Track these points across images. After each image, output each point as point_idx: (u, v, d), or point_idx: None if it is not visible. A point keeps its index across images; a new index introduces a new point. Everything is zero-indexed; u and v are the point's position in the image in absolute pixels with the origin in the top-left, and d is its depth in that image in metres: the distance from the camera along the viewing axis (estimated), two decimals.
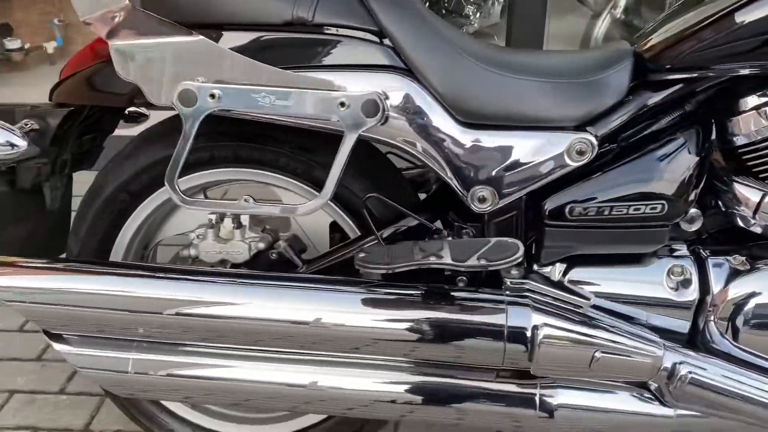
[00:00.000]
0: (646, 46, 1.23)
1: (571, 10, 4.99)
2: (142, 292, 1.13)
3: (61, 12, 4.81)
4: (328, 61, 1.15)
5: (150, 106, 1.22)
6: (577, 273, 1.22)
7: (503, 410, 1.14)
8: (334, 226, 1.44)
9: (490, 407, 1.15)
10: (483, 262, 1.07)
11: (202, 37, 1.13)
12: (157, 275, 1.15)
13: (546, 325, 1.07)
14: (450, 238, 1.18)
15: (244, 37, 1.17)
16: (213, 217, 1.33)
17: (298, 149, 1.32)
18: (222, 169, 1.35)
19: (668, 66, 1.18)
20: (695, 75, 1.17)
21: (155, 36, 1.15)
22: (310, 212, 1.15)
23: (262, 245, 1.30)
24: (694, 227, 1.24)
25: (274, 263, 1.32)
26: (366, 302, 1.13)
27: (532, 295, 1.11)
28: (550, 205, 1.17)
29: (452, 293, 1.13)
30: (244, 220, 1.32)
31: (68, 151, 1.40)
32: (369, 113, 1.08)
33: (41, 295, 1.14)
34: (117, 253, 1.41)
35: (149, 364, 1.18)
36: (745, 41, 1.11)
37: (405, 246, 1.13)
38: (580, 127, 1.17)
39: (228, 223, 1.31)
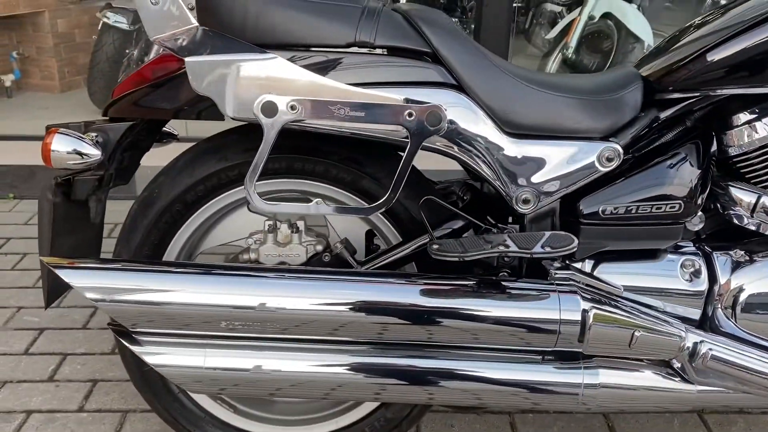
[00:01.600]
0: (652, 70, 1.42)
1: (522, 49, 5.37)
2: (231, 289, 1.20)
3: (20, 45, 4.77)
4: (388, 78, 1.28)
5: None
6: (603, 267, 1.38)
7: (552, 390, 1.27)
8: (369, 235, 1.56)
9: (540, 388, 1.27)
10: (548, 249, 1.20)
11: (276, 55, 1.24)
12: (246, 273, 1.23)
13: (594, 309, 1.22)
14: (501, 233, 1.31)
15: (309, 56, 1.28)
16: (270, 222, 1.42)
17: (347, 160, 1.43)
18: (275, 180, 1.45)
19: (671, 88, 1.37)
20: (694, 95, 1.36)
21: (229, 53, 1.25)
22: (377, 211, 1.26)
23: (319, 247, 1.40)
24: (698, 226, 1.42)
25: (327, 265, 1.41)
26: (426, 293, 1.25)
27: (577, 284, 1.25)
28: (584, 206, 1.33)
29: (504, 283, 1.26)
30: (300, 224, 1.41)
31: (113, 166, 1.47)
32: (433, 123, 1.21)
33: (131, 294, 1.20)
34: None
35: (224, 360, 1.25)
36: (733, 66, 1.31)
37: (472, 238, 1.26)
38: (605, 137, 1.34)
39: (285, 228, 1.40)
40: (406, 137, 1.24)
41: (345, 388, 1.26)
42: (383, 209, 1.25)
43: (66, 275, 1.19)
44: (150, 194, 1.46)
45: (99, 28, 4.10)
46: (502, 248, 1.21)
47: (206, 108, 1.39)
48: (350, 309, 1.21)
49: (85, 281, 1.20)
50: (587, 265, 1.38)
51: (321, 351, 1.27)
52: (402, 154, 1.24)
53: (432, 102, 1.23)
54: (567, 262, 1.33)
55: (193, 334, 1.26)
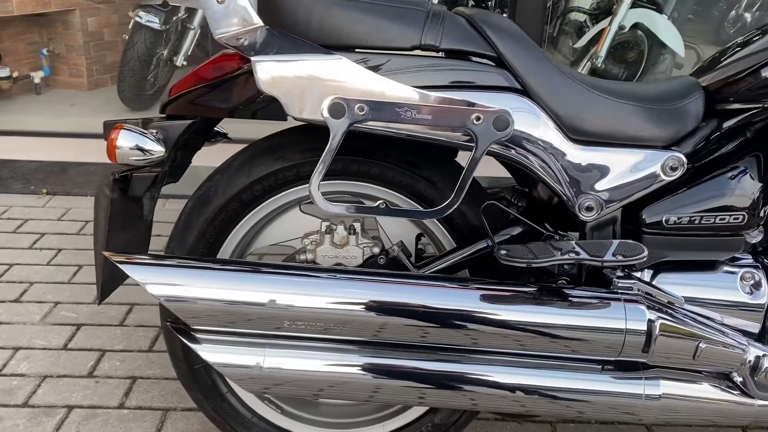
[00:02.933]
0: (712, 81, 1.41)
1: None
2: (297, 289, 1.20)
3: (50, 42, 4.80)
4: (453, 81, 1.28)
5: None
6: (662, 277, 1.37)
7: (612, 400, 1.26)
8: (418, 238, 1.55)
9: (599, 398, 1.26)
10: (619, 257, 1.19)
11: (343, 57, 1.24)
12: (310, 274, 1.23)
13: (661, 319, 1.20)
14: (569, 240, 1.30)
15: (374, 58, 1.28)
16: (327, 224, 1.41)
17: (404, 163, 1.43)
18: (330, 182, 1.45)
19: (731, 98, 1.36)
20: (755, 106, 1.35)
21: (297, 54, 1.25)
22: (441, 216, 1.25)
23: (376, 250, 1.39)
24: (757, 239, 1.40)
25: (383, 268, 1.41)
26: (488, 298, 1.24)
27: (642, 294, 1.24)
28: (647, 215, 1.32)
29: (567, 291, 1.25)
30: (357, 226, 1.41)
31: (168, 164, 1.47)
32: (500, 127, 1.20)
33: (195, 291, 1.20)
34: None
35: (283, 360, 1.24)
36: None
37: (540, 245, 1.25)
38: (668, 146, 1.33)
39: (341, 230, 1.40)
40: (471, 141, 1.24)
41: (390, 390, 1.25)
42: (446, 213, 1.25)
43: (132, 271, 1.20)
44: (206, 192, 1.46)
45: (130, 26, 4.11)
46: (572, 255, 1.20)
47: (262, 108, 1.39)
48: (413, 313, 1.21)
49: (151, 277, 1.20)
50: (646, 275, 1.37)
51: (377, 354, 1.26)
52: (456, 159, 1.24)
53: (497, 106, 1.22)
54: (628, 271, 1.32)
55: (253, 333, 1.25)
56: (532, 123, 1.28)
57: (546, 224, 1.41)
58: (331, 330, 1.22)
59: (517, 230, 1.39)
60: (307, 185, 1.44)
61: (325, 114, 1.20)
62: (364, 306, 1.20)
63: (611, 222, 1.34)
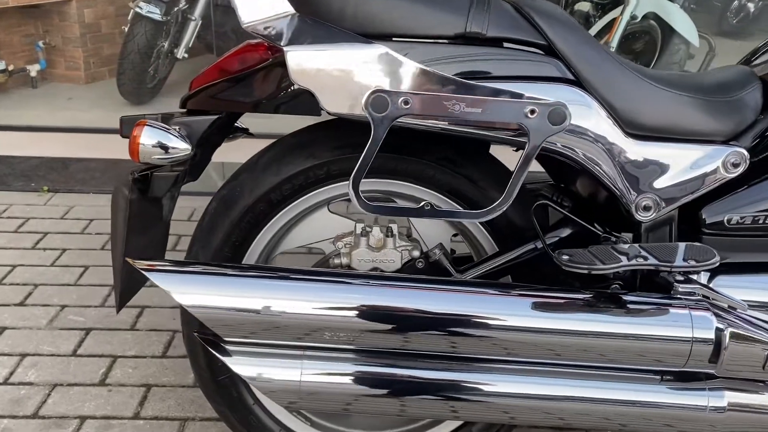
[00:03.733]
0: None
1: None
2: (340, 297, 1.11)
3: (46, 35, 4.68)
4: (502, 72, 1.19)
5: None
6: (721, 281, 1.28)
7: (673, 413, 1.17)
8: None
9: (659, 411, 1.18)
10: (692, 263, 1.11)
11: (383, 46, 1.14)
12: (353, 281, 1.14)
13: (729, 327, 1.12)
14: (632, 244, 1.22)
15: (414, 47, 1.19)
16: (361, 226, 1.32)
17: (442, 160, 1.34)
18: (366, 180, 1.35)
19: None
20: None
21: (333, 44, 1.16)
22: (491, 216, 1.17)
23: (416, 253, 1.30)
24: None
25: (421, 272, 1.32)
26: (544, 306, 1.16)
27: (707, 300, 1.16)
28: (707, 214, 1.23)
29: (626, 297, 1.16)
30: (394, 228, 1.32)
31: (189, 162, 1.38)
32: (555, 122, 1.11)
33: (229, 301, 1.11)
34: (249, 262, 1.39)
35: (323, 375, 1.15)
36: None
37: (602, 249, 1.16)
38: (728, 141, 1.24)
39: (377, 231, 1.31)
40: (522, 136, 1.15)
41: (428, 403, 1.17)
42: (497, 214, 1.16)
43: (159, 279, 1.10)
44: (231, 192, 1.37)
45: (130, 18, 3.99)
46: (639, 261, 1.12)
47: (289, 102, 1.31)
48: (465, 323, 1.12)
49: (179, 286, 1.11)
50: (702, 278, 1.28)
51: (422, 366, 1.18)
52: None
53: (552, 99, 1.13)
54: (688, 274, 1.23)
55: (288, 344, 1.16)
56: (586, 116, 1.19)
57: (595, 225, 1.32)
58: (375, 341, 1.13)
59: (566, 232, 1.31)
60: (338, 184, 1.36)
61: (367, 109, 1.11)
62: (413, 316, 1.11)
63: (668, 222, 1.26)
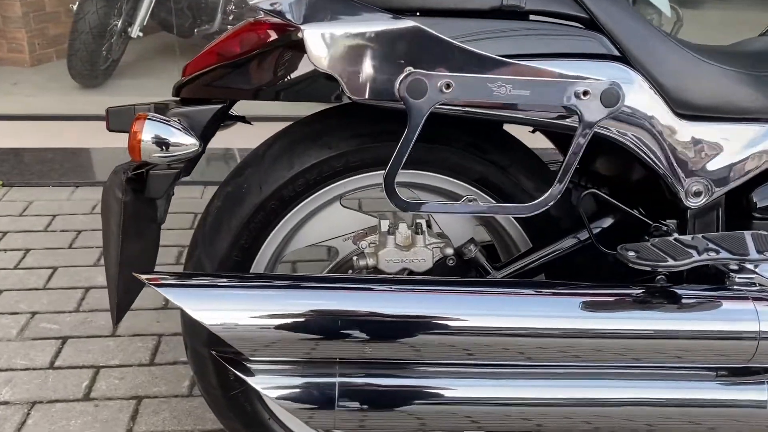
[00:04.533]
0: None
1: None
2: (380, 306, 0.99)
3: None
4: (542, 49, 1.08)
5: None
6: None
7: (732, 411, 1.10)
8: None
9: (716, 410, 1.11)
10: (766, 254, 1.03)
11: (415, 23, 1.02)
12: (393, 288, 1.02)
13: None
14: (695, 235, 1.13)
15: (448, 23, 1.07)
16: (386, 223, 1.21)
17: (470, 147, 1.23)
18: (378, 172, 1.23)
19: None
20: None
21: (358, 21, 1.03)
22: (542, 209, 1.06)
23: (449, 251, 1.19)
24: None
25: (453, 271, 1.21)
26: (591, 305, 1.06)
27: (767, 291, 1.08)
28: (758, 198, 1.16)
29: (682, 291, 1.08)
30: (423, 224, 1.21)
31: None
32: (609, 103, 1.01)
33: (256, 317, 0.98)
34: (258, 268, 1.26)
35: (360, 391, 1.04)
36: None
37: (666, 243, 1.07)
38: None
39: (404, 229, 1.19)
40: (567, 118, 1.05)
41: (489, 416, 1.07)
42: (548, 206, 1.06)
43: (176, 296, 0.97)
44: (237, 189, 1.23)
45: None
46: (711, 255, 1.03)
47: (290, 87, 1.17)
48: (520, 328, 1.02)
49: (201, 303, 0.97)
50: (749, 265, 1.21)
51: (472, 376, 1.07)
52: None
53: (603, 78, 1.03)
54: (741, 264, 1.16)
55: (322, 360, 1.04)
56: (636, 96, 1.09)
57: (640, 214, 1.24)
58: (423, 353, 1.02)
59: (608, 221, 1.21)
60: (356, 177, 1.24)
61: (403, 94, 0.99)
62: (465, 323, 1.00)
63: (715, 208, 1.18)
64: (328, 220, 1.32)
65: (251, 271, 1.24)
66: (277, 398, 1.03)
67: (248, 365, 1.04)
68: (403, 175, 1.25)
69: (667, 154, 1.12)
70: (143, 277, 1.01)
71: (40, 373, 1.79)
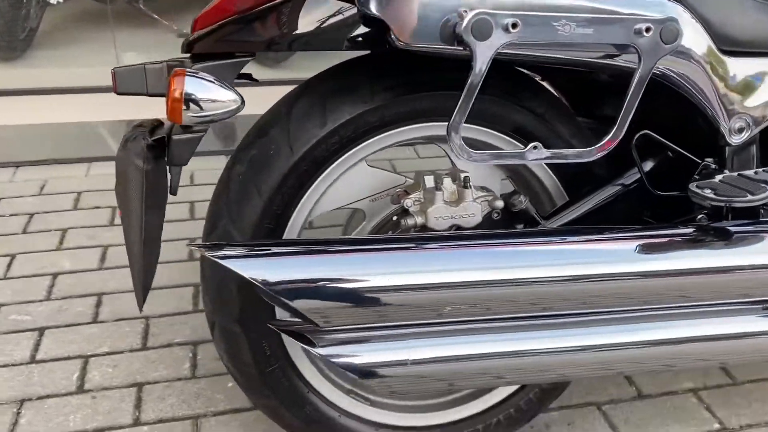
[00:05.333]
0: None
1: None
2: (456, 265, 0.94)
3: None
4: None
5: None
6: None
7: None
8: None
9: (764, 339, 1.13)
10: None
11: None
12: (462, 244, 0.97)
13: None
14: (759, 170, 1.13)
15: None
16: (430, 179, 1.15)
17: (506, 95, 1.19)
18: (410, 127, 1.17)
19: None
20: None
21: None
22: (604, 153, 1.03)
23: (498, 203, 1.15)
24: None
25: (496, 224, 1.17)
26: (649, 248, 1.06)
27: None
28: None
29: (734, 228, 1.09)
30: (469, 178, 1.16)
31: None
32: (668, 40, 0.99)
33: (328, 283, 0.91)
34: (291, 234, 1.18)
35: (432, 351, 0.99)
36: None
37: (736, 179, 1.07)
38: None
39: (449, 183, 1.14)
40: (618, 57, 1.02)
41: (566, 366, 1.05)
42: (608, 150, 1.03)
43: (242, 268, 0.89)
44: (263, 153, 1.14)
45: None
46: None
47: (302, 37, 1.08)
48: (589, 276, 1.00)
49: (270, 273, 0.89)
50: None
51: (536, 329, 1.04)
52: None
53: (660, 14, 1.00)
54: None
55: (389, 326, 0.99)
56: (682, 33, 1.07)
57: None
58: (490, 309, 0.98)
59: (649, 164, 1.20)
60: (391, 132, 1.17)
61: (467, 36, 0.93)
62: (546, 274, 0.98)
63: (752, 144, 1.19)
64: (354, 181, 1.25)
65: (284, 237, 1.16)
66: (345, 364, 0.97)
67: (311, 336, 0.97)
68: (434, 129, 1.19)
69: (711, 90, 1.11)
70: (207, 252, 0.92)
71: (21, 369, 1.64)
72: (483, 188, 1.19)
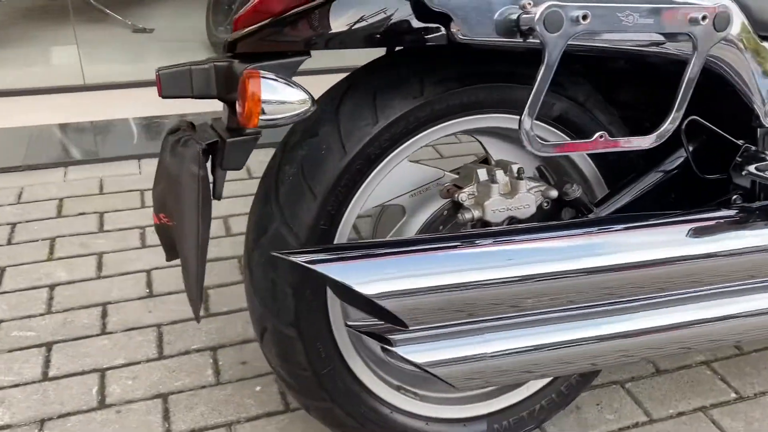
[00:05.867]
0: None
1: None
2: (544, 257, 0.95)
3: None
4: None
5: None
6: None
7: None
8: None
9: None
10: None
11: None
12: (539, 237, 0.98)
13: None
14: None
15: None
16: (483, 171, 1.15)
17: (552, 84, 1.19)
18: (456, 120, 1.17)
19: None
20: None
21: None
22: (661, 141, 1.05)
23: (552, 193, 1.15)
24: None
25: (546, 213, 1.19)
26: (702, 231, 1.09)
27: None
28: None
29: None
30: (522, 169, 1.16)
31: None
32: (721, 27, 1.01)
33: (417, 282, 0.90)
34: (343, 235, 1.16)
35: (509, 343, 1.00)
36: None
37: None
38: None
39: (502, 175, 1.14)
40: (666, 46, 1.04)
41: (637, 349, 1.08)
42: (667, 136, 1.05)
43: (338, 272, 0.87)
44: (314, 152, 1.12)
45: None
46: None
47: (339, 36, 1.06)
48: (655, 262, 1.02)
49: (362, 276, 0.88)
50: None
51: (608, 315, 1.06)
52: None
53: (712, 2, 1.03)
54: None
55: (467, 321, 0.99)
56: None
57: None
58: (570, 299, 0.99)
59: (693, 148, 1.23)
60: (439, 126, 1.17)
61: (540, 28, 0.93)
62: (623, 261, 1.00)
63: None
64: (395, 177, 1.24)
65: (336, 237, 1.15)
66: (426, 363, 0.96)
67: (394, 337, 0.96)
68: (477, 121, 1.19)
69: (749, 74, 1.15)
70: (296, 258, 0.89)
71: (35, 387, 1.57)
72: (535, 178, 1.20)
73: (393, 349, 0.95)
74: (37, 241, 2.11)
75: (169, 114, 2.95)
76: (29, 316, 1.79)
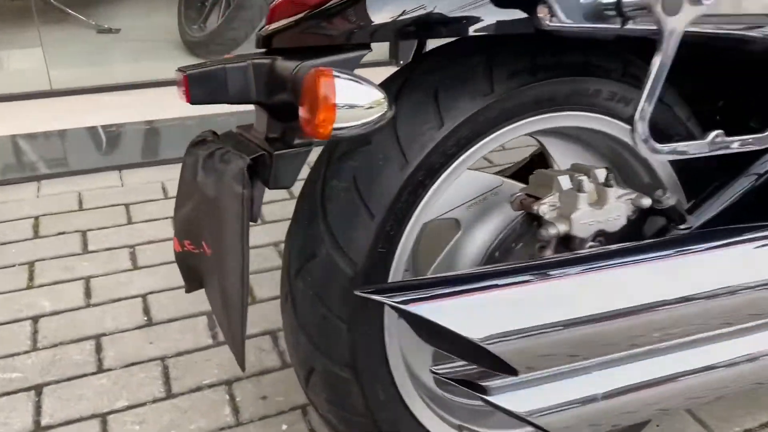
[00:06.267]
0: None
1: None
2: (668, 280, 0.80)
3: None
4: None
5: None
6: None
7: None
8: None
9: None
10: None
11: None
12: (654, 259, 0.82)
13: None
14: None
15: None
16: (566, 179, 1.00)
17: (628, 77, 1.05)
18: (526, 121, 1.02)
19: None
20: None
21: None
22: None
23: (645, 202, 1.00)
24: None
25: (634, 225, 1.04)
26: None
27: None
28: None
29: None
30: (603, 175, 1.01)
31: None
32: None
33: (530, 320, 0.74)
34: (401, 258, 1.00)
35: (621, 380, 0.84)
36: None
37: None
38: None
39: (588, 183, 0.99)
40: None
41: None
42: None
43: (433, 313, 0.70)
44: (369, 163, 0.95)
45: None
46: None
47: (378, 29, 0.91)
48: None
49: (459, 317, 0.72)
50: None
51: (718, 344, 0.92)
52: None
53: None
54: None
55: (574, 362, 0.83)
56: None
57: None
58: (691, 328, 0.85)
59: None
60: (507, 128, 1.01)
61: (658, 11, 0.78)
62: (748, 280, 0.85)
63: None
64: (453, 187, 1.08)
65: (395, 261, 0.98)
66: (531, 411, 0.81)
67: (488, 384, 0.80)
68: (545, 121, 1.04)
69: None
70: (381, 298, 0.73)
71: None
72: (622, 185, 1.05)
73: (489, 398, 0.79)
74: (14, 266, 1.89)
75: (156, 119, 2.75)
76: (12, 355, 1.58)
